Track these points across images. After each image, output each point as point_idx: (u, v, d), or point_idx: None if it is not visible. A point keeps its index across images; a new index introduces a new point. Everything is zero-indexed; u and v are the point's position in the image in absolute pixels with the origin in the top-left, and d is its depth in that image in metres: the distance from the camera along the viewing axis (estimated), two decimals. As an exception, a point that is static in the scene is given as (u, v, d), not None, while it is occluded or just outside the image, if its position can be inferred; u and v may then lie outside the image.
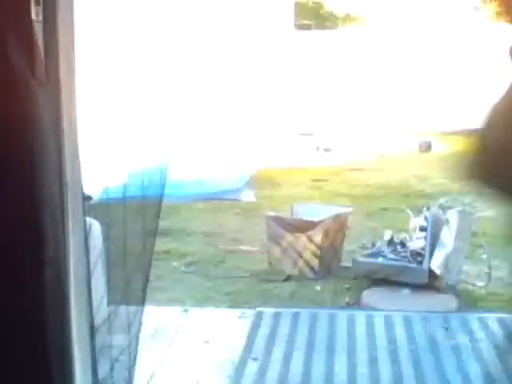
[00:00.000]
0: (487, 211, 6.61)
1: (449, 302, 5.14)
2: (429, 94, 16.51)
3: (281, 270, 5.81)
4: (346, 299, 5.22)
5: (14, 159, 1.77)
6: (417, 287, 5.26)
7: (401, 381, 3.68)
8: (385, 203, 8.76)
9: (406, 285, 5.28)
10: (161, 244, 6.82)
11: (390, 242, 5.66)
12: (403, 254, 5.46)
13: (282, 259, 5.84)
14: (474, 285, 5.67)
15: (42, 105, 1.82)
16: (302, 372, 3.68)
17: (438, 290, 5.26)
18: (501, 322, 4.38)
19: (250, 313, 4.42)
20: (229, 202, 9.14)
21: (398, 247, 5.58)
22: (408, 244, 5.54)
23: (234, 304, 5.08)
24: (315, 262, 5.71)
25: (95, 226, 3.31)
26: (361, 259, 5.47)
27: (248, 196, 9.62)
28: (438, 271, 5.24)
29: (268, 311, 4.50)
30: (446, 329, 4.35)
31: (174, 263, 6.16)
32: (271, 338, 4.07)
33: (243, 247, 6.71)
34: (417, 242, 5.47)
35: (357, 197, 9.40)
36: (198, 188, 9.25)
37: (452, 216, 5.36)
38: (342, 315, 4.48)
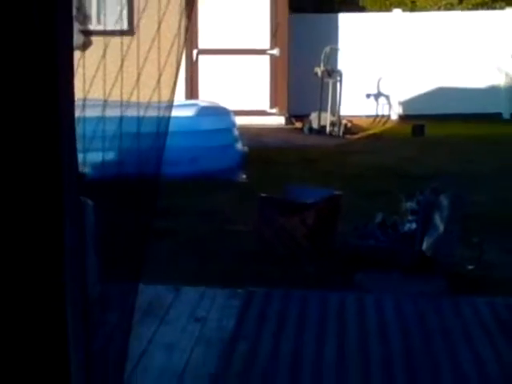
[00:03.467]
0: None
1: (439, 285, 5.16)
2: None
3: (273, 252, 5.82)
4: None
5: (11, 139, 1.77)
6: (408, 270, 5.29)
7: (390, 361, 3.70)
8: (378, 185, 8.79)
9: (397, 267, 5.30)
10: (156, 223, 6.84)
11: (382, 225, 5.68)
12: (395, 236, 5.48)
13: (273, 241, 5.85)
14: (464, 267, 5.71)
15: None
16: (291, 351, 3.70)
17: (428, 272, 5.29)
18: (489, 305, 4.40)
19: (240, 292, 4.43)
20: (223, 182, 9.16)
21: (390, 230, 5.60)
22: (400, 227, 5.57)
23: (226, 283, 5.10)
24: (307, 244, 5.73)
25: (88, 204, 3.31)
26: (352, 241, 5.48)
27: (241, 176, 9.63)
28: (428, 254, 5.27)
29: (259, 291, 4.51)
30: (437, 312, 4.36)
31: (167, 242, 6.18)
32: (261, 317, 4.09)
33: (236, 227, 6.73)
34: (409, 226, 5.49)
35: (350, 177, 9.44)
36: (192, 167, 9.25)
37: (444, 200, 5.37)
38: (333, 297, 4.49)
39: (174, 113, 10.30)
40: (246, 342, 3.75)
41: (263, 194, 5.98)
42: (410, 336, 4.08)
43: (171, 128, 9.93)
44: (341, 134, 14.52)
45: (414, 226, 5.45)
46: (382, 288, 5.06)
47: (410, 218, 5.55)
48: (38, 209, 1.87)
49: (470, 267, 5.70)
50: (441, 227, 5.27)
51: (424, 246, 5.27)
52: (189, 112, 9.99)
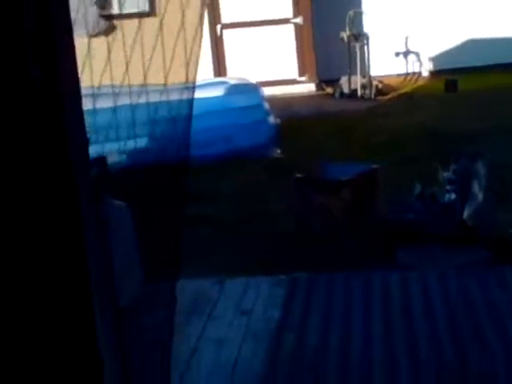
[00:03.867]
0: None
1: (482, 255, 5.14)
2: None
3: (311, 232, 5.84)
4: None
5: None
6: (450, 241, 5.27)
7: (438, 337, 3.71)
8: (414, 151, 8.71)
9: (438, 240, 5.28)
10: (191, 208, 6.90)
11: (421, 197, 5.65)
12: (434, 208, 5.46)
13: (311, 220, 5.86)
14: (507, 232, 5.68)
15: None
16: (339, 339, 3.73)
17: (471, 242, 5.26)
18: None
19: (284, 279, 4.46)
20: (258, 159, 9.15)
21: (429, 201, 5.58)
22: (439, 198, 5.54)
23: (267, 269, 5.13)
24: (346, 221, 5.73)
25: (122, 207, 3.34)
26: (392, 216, 5.47)
27: (275, 152, 9.62)
28: (470, 223, 5.24)
29: (303, 276, 4.54)
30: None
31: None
32: (307, 305, 4.11)
33: (273, 207, 6.75)
34: (448, 196, 5.46)
35: (385, 144, 9.36)
36: (226, 146, 9.25)
37: (480, 168, 5.32)
38: (377, 277, 4.50)
39: (204, 93, 10.30)
40: (292, 333, 3.78)
41: (298, 175, 5.98)
42: (456, 310, 4.07)
43: (202, 109, 9.97)
44: (372, 96, 14.40)
45: (453, 196, 5.42)
46: (425, 263, 5.05)
47: (448, 187, 5.52)
48: (53, 213, 1.81)
49: (512, 231, 5.67)
50: (480, 195, 5.23)
51: (464, 216, 5.25)
52: (218, 91, 9.99)
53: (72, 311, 1.90)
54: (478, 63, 15.43)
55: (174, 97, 4.66)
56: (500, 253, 5.16)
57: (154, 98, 4.15)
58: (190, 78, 3.54)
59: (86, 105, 2.28)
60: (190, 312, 4.06)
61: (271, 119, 10.43)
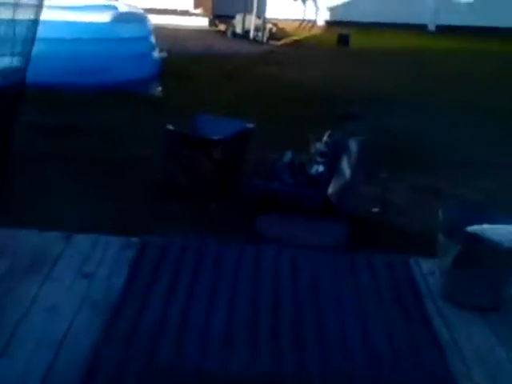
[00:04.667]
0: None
1: (341, 231, 5.11)
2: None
3: (177, 186, 5.65)
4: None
5: None
6: (312, 214, 5.20)
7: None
8: (295, 109, 8.62)
9: (301, 211, 5.21)
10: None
11: (290, 165, 5.54)
12: (302, 179, 5.37)
13: (178, 175, 5.66)
14: (369, 211, 5.68)
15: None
16: (181, 312, 3.58)
17: (332, 218, 5.21)
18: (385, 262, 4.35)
19: (135, 242, 4.25)
20: (137, 94, 8.84)
21: (298, 171, 5.48)
22: (308, 168, 5.45)
23: (123, 225, 4.94)
24: (213, 181, 5.57)
25: None
26: (257, 182, 5.34)
27: (156, 89, 9.32)
28: (333, 199, 5.18)
29: (155, 241, 4.33)
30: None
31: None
32: (155, 272, 3.94)
33: (143, 152, 6.53)
34: (316, 168, 5.37)
35: (267, 98, 9.22)
36: (106, 76, 8.87)
37: (353, 144, 5.24)
38: (231, 249, 4.36)
39: (89, 17, 9.76)
40: (135, 303, 3.60)
41: (170, 126, 5.74)
42: (301, 290, 3.98)
43: (85, 34, 9.43)
44: (265, 39, 14.21)
45: (321, 168, 5.34)
46: (284, 232, 4.96)
47: (318, 159, 5.43)
48: None
49: (375, 210, 5.68)
50: (347, 173, 5.17)
51: (329, 191, 5.18)
52: (105, 17, 9.52)
53: None
54: (371, 19, 15.44)
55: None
56: (359, 231, 5.15)
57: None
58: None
59: None
60: (28, 270, 3.81)
61: (156, 53, 10.08)
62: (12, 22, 4.39)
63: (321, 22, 16.41)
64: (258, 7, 14.21)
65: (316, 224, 5.11)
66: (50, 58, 7.84)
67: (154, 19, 10.65)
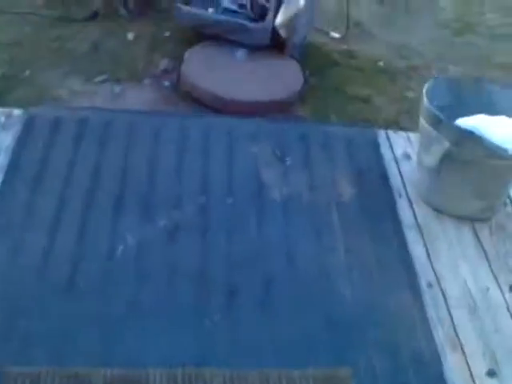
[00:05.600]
0: None
1: (290, 68, 4.09)
2: None
3: (85, 2, 4.45)
4: (163, 63, 4.04)
5: None
6: (256, 48, 4.13)
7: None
8: None
9: (242, 45, 4.12)
10: None
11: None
12: (241, 1, 4.20)
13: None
14: (328, 35, 4.63)
15: None
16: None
17: (280, 53, 4.15)
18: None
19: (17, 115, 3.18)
20: None
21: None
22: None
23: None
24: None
25: None
26: (186, 8, 4.15)
27: None
28: (282, 32, 4.08)
29: (45, 112, 3.26)
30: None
31: None
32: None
33: None
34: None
35: None
36: None
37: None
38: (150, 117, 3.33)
39: None
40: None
41: None
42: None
43: None
44: None
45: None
46: (220, 69, 3.92)
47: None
48: None
49: (336, 35, 4.63)
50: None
51: (277, 21, 4.06)
52: None
53: None
54: None
55: None
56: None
57: None
58: None
59: None
60: None
61: None
62: None
63: None
64: None
65: (261, 60, 4.07)
66: None
67: None
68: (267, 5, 4.09)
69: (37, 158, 2.97)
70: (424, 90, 2.94)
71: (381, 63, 4.43)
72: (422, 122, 2.94)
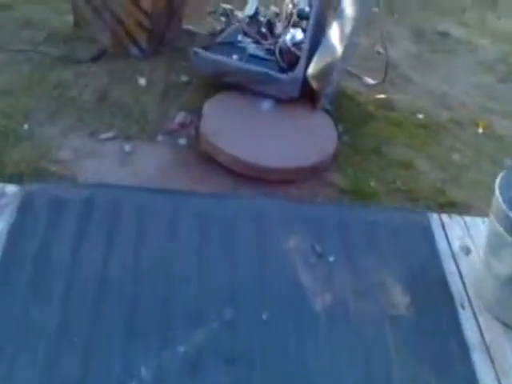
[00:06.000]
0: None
1: (322, 124, 3.61)
2: None
3: (91, 39, 3.96)
4: (179, 116, 3.55)
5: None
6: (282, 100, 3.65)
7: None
8: None
9: (269, 95, 3.64)
10: None
11: (253, 18, 3.86)
12: (269, 46, 3.71)
13: (93, 24, 3.95)
14: (361, 80, 4.16)
15: None
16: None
17: (309, 102, 3.67)
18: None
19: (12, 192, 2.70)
20: None
21: (264, 31, 3.81)
22: (279, 31, 3.78)
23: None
24: (142, 36, 3.88)
25: None
26: (205, 54, 3.65)
27: None
28: (314, 84, 3.59)
29: (45, 189, 2.79)
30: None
31: None
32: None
33: None
34: (293, 33, 3.70)
35: None
36: None
37: (349, 1, 3.57)
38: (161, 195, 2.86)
39: None
40: None
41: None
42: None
43: None
44: None
45: (299, 35, 3.68)
46: (241, 127, 3.44)
47: (296, 19, 3.75)
48: None
49: (372, 82, 4.15)
50: (339, 42, 3.52)
51: (310, 72, 3.57)
52: None
53: None
54: None
55: None
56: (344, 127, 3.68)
57: None
58: None
59: None
60: None
61: None
62: None
63: None
64: None
65: (288, 113, 3.59)
66: None
67: None
68: (298, 52, 3.60)
69: (33, 251, 2.53)
70: (496, 184, 2.48)
71: (420, 116, 3.95)
72: (493, 220, 2.48)
